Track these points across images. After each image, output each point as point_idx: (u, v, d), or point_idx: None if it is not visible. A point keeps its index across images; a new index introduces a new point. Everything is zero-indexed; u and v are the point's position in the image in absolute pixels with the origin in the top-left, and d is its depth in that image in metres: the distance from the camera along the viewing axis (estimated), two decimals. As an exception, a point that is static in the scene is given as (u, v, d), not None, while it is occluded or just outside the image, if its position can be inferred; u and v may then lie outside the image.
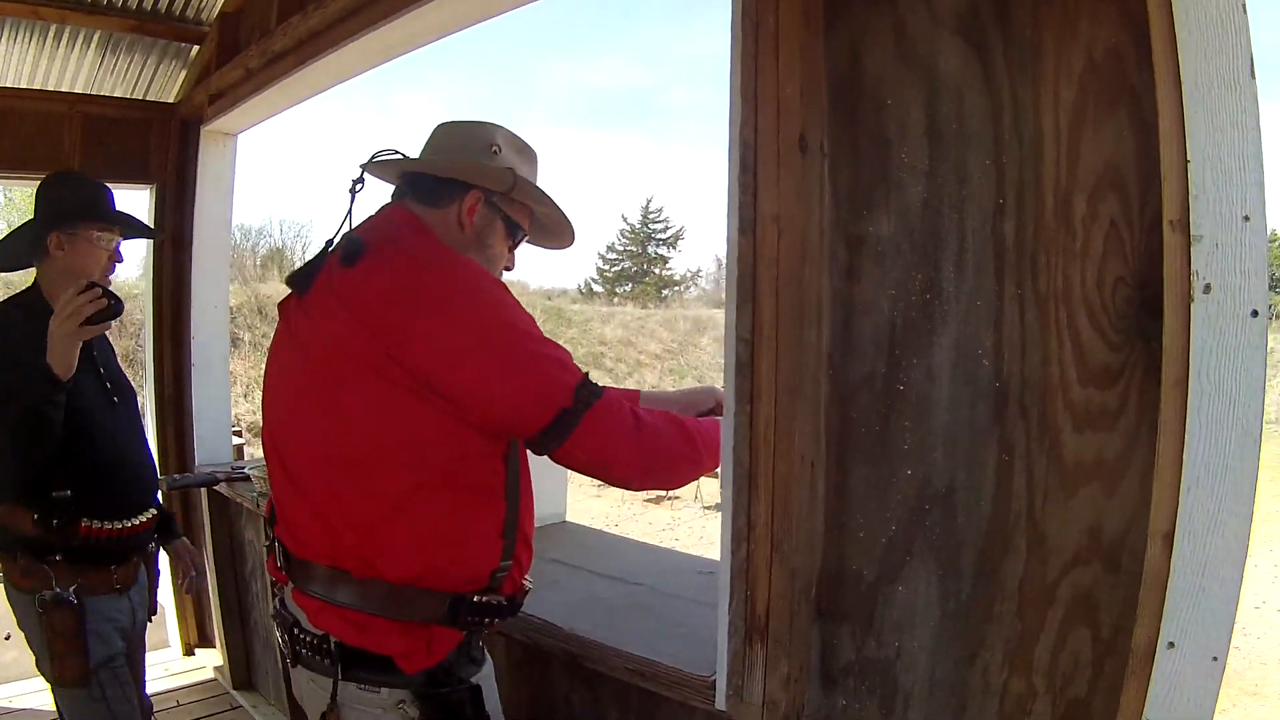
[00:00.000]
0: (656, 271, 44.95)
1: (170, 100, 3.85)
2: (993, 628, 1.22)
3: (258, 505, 2.90)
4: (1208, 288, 1.01)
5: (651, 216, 45.73)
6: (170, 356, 3.78)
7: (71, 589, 2.11)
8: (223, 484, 3.22)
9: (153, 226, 3.23)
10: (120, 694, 2.20)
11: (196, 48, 3.68)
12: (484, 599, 1.47)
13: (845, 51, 1.28)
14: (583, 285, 43.23)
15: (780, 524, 1.32)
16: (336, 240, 1.48)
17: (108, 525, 2.18)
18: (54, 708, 2.21)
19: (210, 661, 3.83)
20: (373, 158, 1.57)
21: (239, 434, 4.24)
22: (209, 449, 3.71)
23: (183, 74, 3.80)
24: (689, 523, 14.32)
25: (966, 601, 1.23)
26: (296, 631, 1.48)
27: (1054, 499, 1.16)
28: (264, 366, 1.62)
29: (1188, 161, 1.01)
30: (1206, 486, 1.03)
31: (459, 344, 1.35)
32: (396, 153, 1.57)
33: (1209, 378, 1.02)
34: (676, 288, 44.41)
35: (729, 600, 1.37)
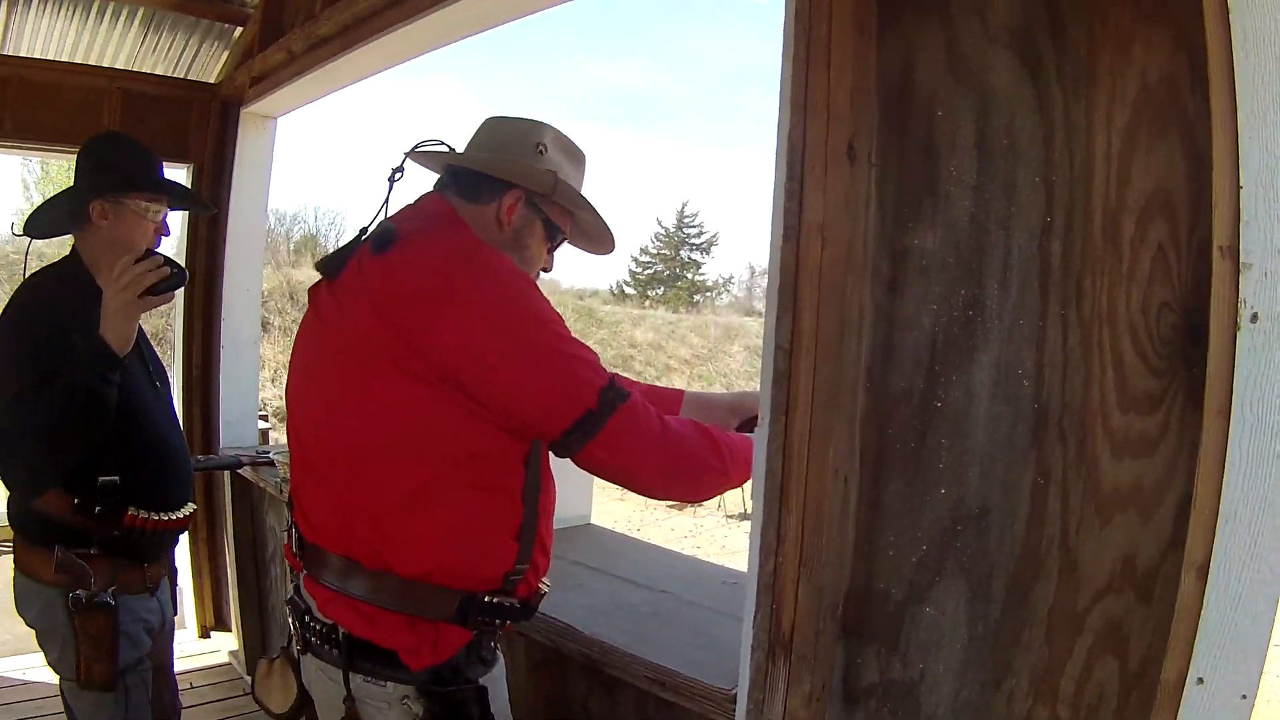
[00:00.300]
0: (689, 276, 45.01)
1: (211, 81, 3.90)
2: (1020, 653, 1.22)
3: (280, 491, 2.94)
4: (1255, 317, 1.01)
5: (686, 220, 45.97)
6: (200, 337, 3.85)
7: (110, 590, 2.00)
8: (246, 468, 3.26)
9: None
10: (142, 698, 2.12)
11: (240, 29, 3.73)
12: (496, 600, 1.48)
13: (896, 62, 1.28)
14: (615, 286, 43.38)
15: (811, 539, 1.31)
16: (371, 227, 1.50)
17: (154, 516, 2.08)
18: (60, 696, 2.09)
19: (225, 645, 3.89)
20: (416, 146, 1.58)
21: (264, 418, 4.28)
22: (234, 432, 3.77)
23: (225, 55, 3.86)
24: (711, 531, 14.28)
25: (995, 626, 1.23)
26: (308, 619, 1.52)
27: (1088, 525, 1.16)
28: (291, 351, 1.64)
29: (1240, 188, 1.01)
30: (1244, 519, 1.03)
31: (485, 339, 1.37)
32: (442, 144, 1.59)
33: (1251, 409, 1.02)
34: (709, 293, 44.41)
35: (754, 614, 1.37)
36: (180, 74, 3.86)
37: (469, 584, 1.45)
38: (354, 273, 1.46)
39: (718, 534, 14.08)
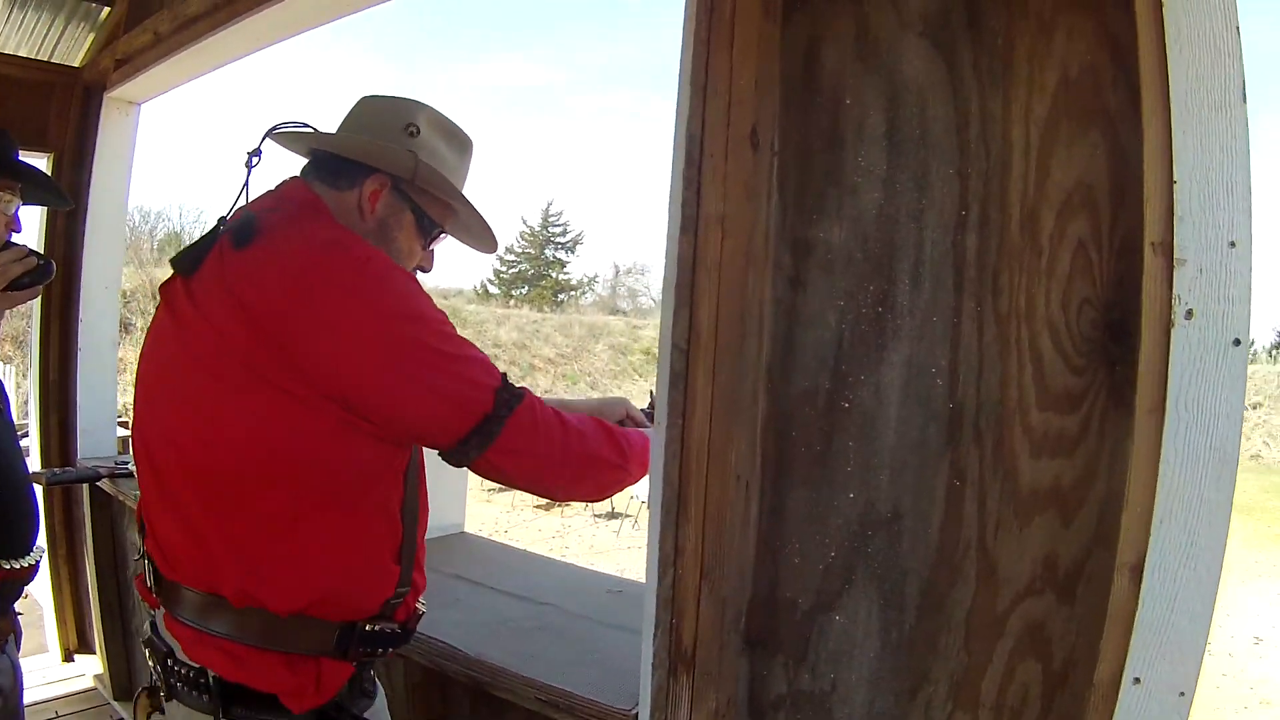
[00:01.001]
0: (553, 275, 44.71)
1: (75, 64, 3.54)
2: (937, 660, 1.12)
3: (142, 505, 2.57)
4: (1190, 313, 0.94)
5: (551, 220, 45.53)
6: (57, 339, 3.45)
7: None
8: (105, 480, 2.94)
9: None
10: None
11: (106, 9, 3.39)
12: (376, 628, 1.29)
13: (801, 45, 1.18)
14: (479, 286, 42.81)
15: (711, 548, 1.22)
16: (229, 218, 1.28)
17: (4, 565, 1.70)
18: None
19: (90, 669, 3.53)
20: (275, 128, 1.37)
21: (125, 425, 3.81)
22: (92, 441, 3.39)
23: (90, 37, 3.51)
24: (579, 530, 14.13)
25: (910, 633, 1.14)
26: (171, 663, 1.28)
27: (1007, 527, 1.07)
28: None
29: (1174, 183, 0.94)
30: (1180, 519, 0.95)
31: (363, 342, 1.17)
32: (305, 126, 1.38)
33: (1186, 407, 0.95)
34: (573, 292, 44.22)
35: (654, 630, 1.25)
36: (44, 57, 3.49)
37: (348, 614, 1.27)
38: (213, 270, 1.24)
39: (585, 533, 13.95)
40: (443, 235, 1.46)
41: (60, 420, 3.42)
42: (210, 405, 1.19)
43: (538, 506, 14.54)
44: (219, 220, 1.28)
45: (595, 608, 1.85)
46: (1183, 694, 0.97)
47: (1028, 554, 1.05)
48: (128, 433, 3.73)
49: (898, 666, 1.14)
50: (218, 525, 1.21)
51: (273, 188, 1.36)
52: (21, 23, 3.32)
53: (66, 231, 3.35)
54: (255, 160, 1.34)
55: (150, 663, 1.35)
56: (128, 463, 2.98)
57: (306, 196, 1.33)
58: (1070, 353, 1.02)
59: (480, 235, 1.54)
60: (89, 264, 3.31)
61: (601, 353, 27.88)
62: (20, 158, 1.84)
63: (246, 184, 1.33)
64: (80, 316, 3.31)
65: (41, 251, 1.66)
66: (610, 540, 13.55)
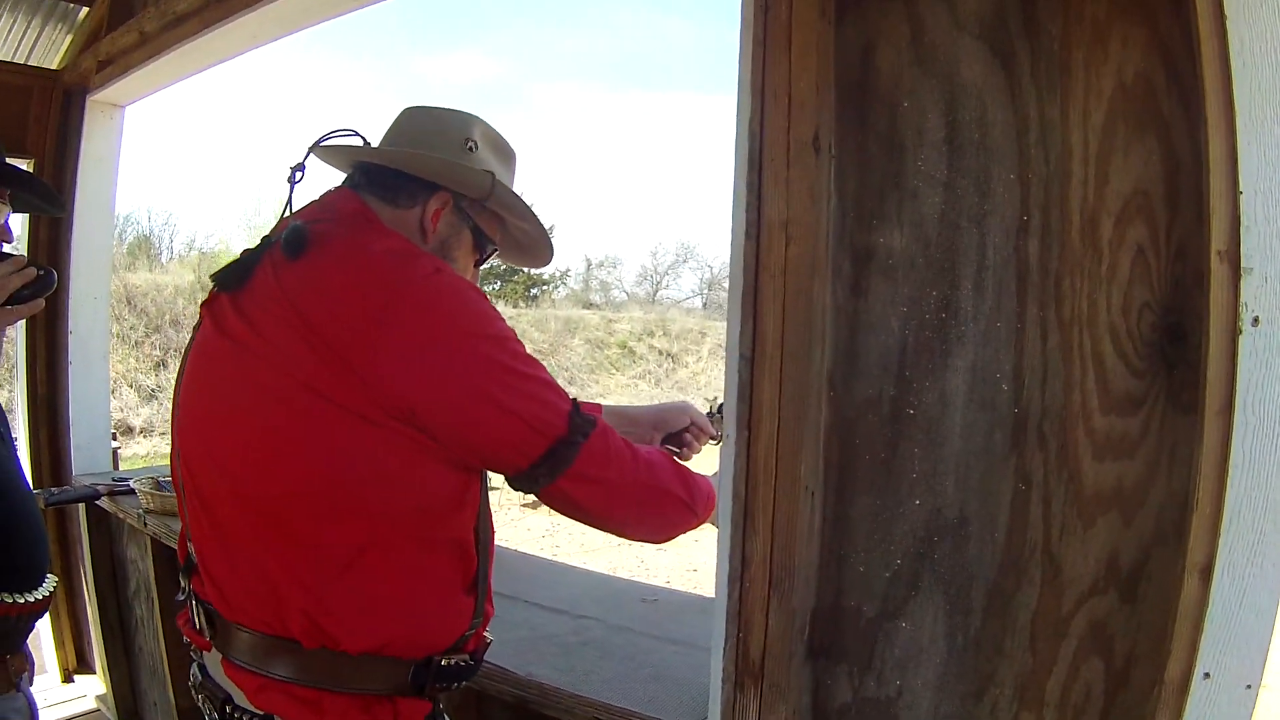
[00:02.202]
0: (525, 270, 44.24)
1: (54, 67, 3.54)
2: (1003, 662, 1.19)
3: (143, 523, 2.62)
4: (1256, 320, 1.00)
5: (521, 214, 45.06)
6: (44, 352, 3.47)
7: None
8: (104, 498, 2.93)
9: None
10: None
11: (86, 9, 3.41)
12: (451, 662, 1.29)
13: (856, 48, 1.23)
14: (450, 284, 42.04)
15: (780, 560, 1.26)
16: (274, 236, 1.26)
17: (18, 599, 1.63)
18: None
19: (92, 690, 3.54)
20: (321, 140, 1.37)
21: (113, 436, 3.81)
22: (87, 456, 3.40)
23: (68, 39, 3.52)
24: (569, 529, 14.10)
25: (975, 636, 1.20)
26: (230, 709, 1.25)
27: (1071, 529, 1.14)
28: (176, 373, 1.38)
29: (1239, 193, 1.00)
30: (1248, 519, 1.02)
31: (437, 359, 1.16)
32: (354, 134, 1.38)
33: (1254, 410, 1.01)
34: (546, 286, 43.97)
35: (723, 644, 1.30)
36: (20, 59, 3.49)
37: (423, 650, 1.26)
38: (267, 284, 1.21)
39: (575, 532, 13.92)
40: (494, 252, 1.48)
41: (51, 437, 3.44)
42: (272, 431, 1.17)
43: (525, 505, 14.52)
44: (263, 239, 1.27)
45: (635, 619, 1.89)
46: (1249, 686, 1.04)
47: (1091, 555, 1.12)
48: (117, 445, 3.77)
49: (964, 670, 1.19)
50: (283, 561, 1.19)
51: (317, 199, 1.36)
52: None
53: (51, 240, 3.36)
54: (299, 176, 1.35)
55: (206, 709, 1.31)
56: (126, 479, 2.98)
57: (360, 208, 1.31)
58: (1131, 357, 1.08)
59: (533, 250, 1.56)
60: (76, 274, 3.31)
61: (578, 347, 27.85)
62: (8, 162, 1.79)
63: (289, 200, 1.33)
64: (70, 328, 3.31)
65: (38, 262, 1.61)
66: (601, 538, 13.58)
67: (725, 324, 1.26)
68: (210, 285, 1.31)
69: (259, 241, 1.27)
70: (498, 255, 1.53)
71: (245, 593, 1.23)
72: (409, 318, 1.15)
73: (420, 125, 1.41)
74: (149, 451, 17.32)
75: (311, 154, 1.38)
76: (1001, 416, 1.15)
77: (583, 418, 1.23)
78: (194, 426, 1.29)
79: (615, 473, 1.25)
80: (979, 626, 1.18)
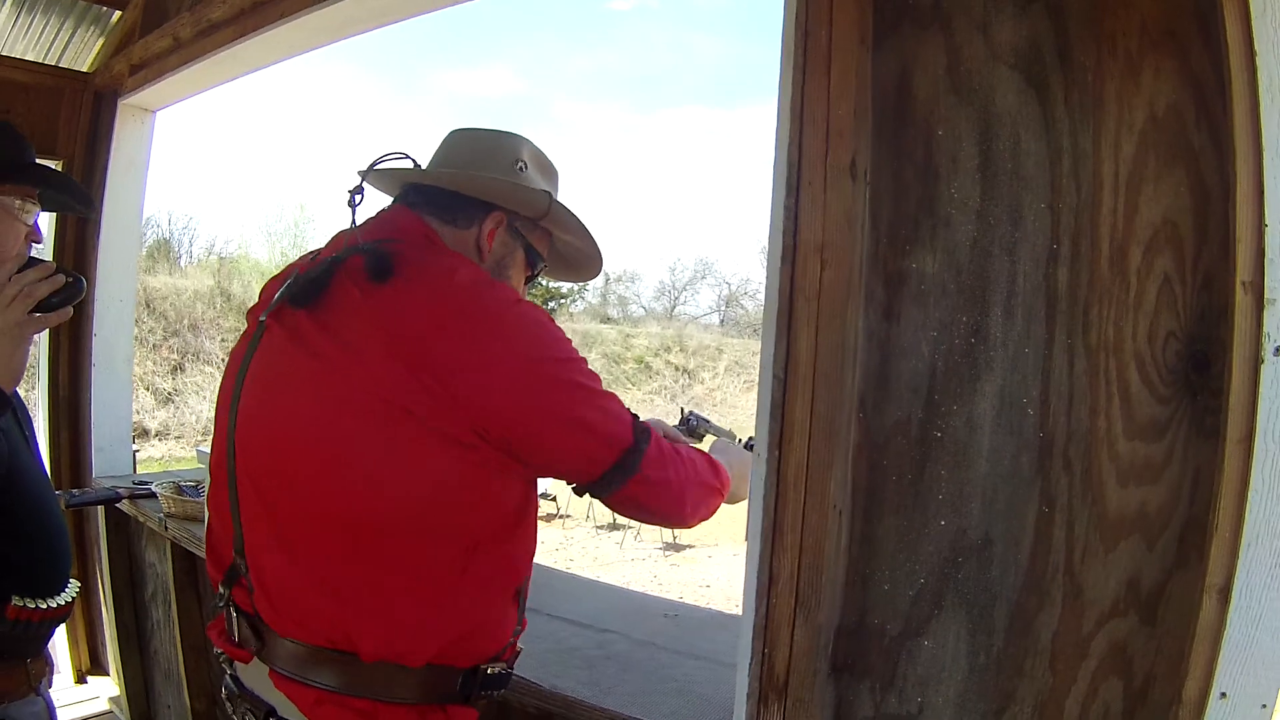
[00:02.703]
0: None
1: (84, 69, 3.61)
2: (1023, 681, 1.22)
3: (164, 527, 2.66)
4: (1278, 350, 1.04)
5: (540, 228, 45.57)
6: (68, 354, 3.53)
7: None
8: (125, 500, 2.98)
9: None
10: None
11: (118, 13, 3.47)
12: (495, 670, 1.36)
13: (893, 75, 1.27)
14: (469, 297, 42.53)
15: (807, 577, 1.30)
16: (343, 254, 1.31)
17: (40, 605, 1.66)
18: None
19: (105, 692, 3.60)
20: (375, 163, 1.43)
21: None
22: (108, 459, 3.47)
23: (99, 42, 3.58)
24: (582, 542, 14.28)
25: (997, 655, 1.24)
26: None
27: (1093, 552, 1.18)
28: (220, 388, 1.42)
29: (1265, 226, 1.04)
30: (1266, 543, 1.06)
31: (528, 383, 1.25)
32: (404, 157, 1.45)
33: (1274, 438, 1.05)
34: (563, 300, 44.25)
35: (749, 659, 1.33)
36: (51, 61, 3.56)
37: (475, 658, 1.33)
38: (355, 304, 1.26)
39: (589, 545, 14.09)
40: (544, 268, 1.55)
41: (72, 438, 3.50)
42: (362, 452, 1.21)
43: (539, 518, 14.72)
44: (331, 259, 1.29)
45: (657, 633, 1.93)
46: (1265, 706, 1.08)
47: (1113, 577, 1.15)
48: (136, 448, 3.82)
49: (984, 689, 1.23)
50: (361, 576, 1.23)
51: (376, 217, 1.41)
52: (29, 27, 3.38)
53: (77, 243, 3.43)
54: (359, 199, 1.37)
55: None
56: (148, 483, 3.02)
57: (423, 228, 1.38)
58: (1156, 383, 1.12)
59: (581, 265, 1.63)
60: (103, 276, 3.37)
61: (595, 361, 28.04)
62: (37, 161, 1.79)
63: (354, 223, 1.36)
64: (94, 331, 3.37)
65: (67, 268, 1.59)
66: (614, 552, 13.73)
67: (741, 341, 1.32)
68: (268, 297, 1.37)
69: (328, 262, 1.31)
70: (545, 271, 1.59)
71: (308, 606, 1.26)
72: (500, 345, 1.23)
73: (471, 147, 1.48)
74: (164, 455, 17.50)
75: (365, 179, 1.41)
76: (1027, 440, 1.19)
77: (641, 426, 1.34)
78: (262, 438, 1.31)
79: (673, 472, 1.37)
80: (1001, 646, 1.22)
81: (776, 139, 1.30)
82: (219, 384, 1.43)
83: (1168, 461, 1.13)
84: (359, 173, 1.42)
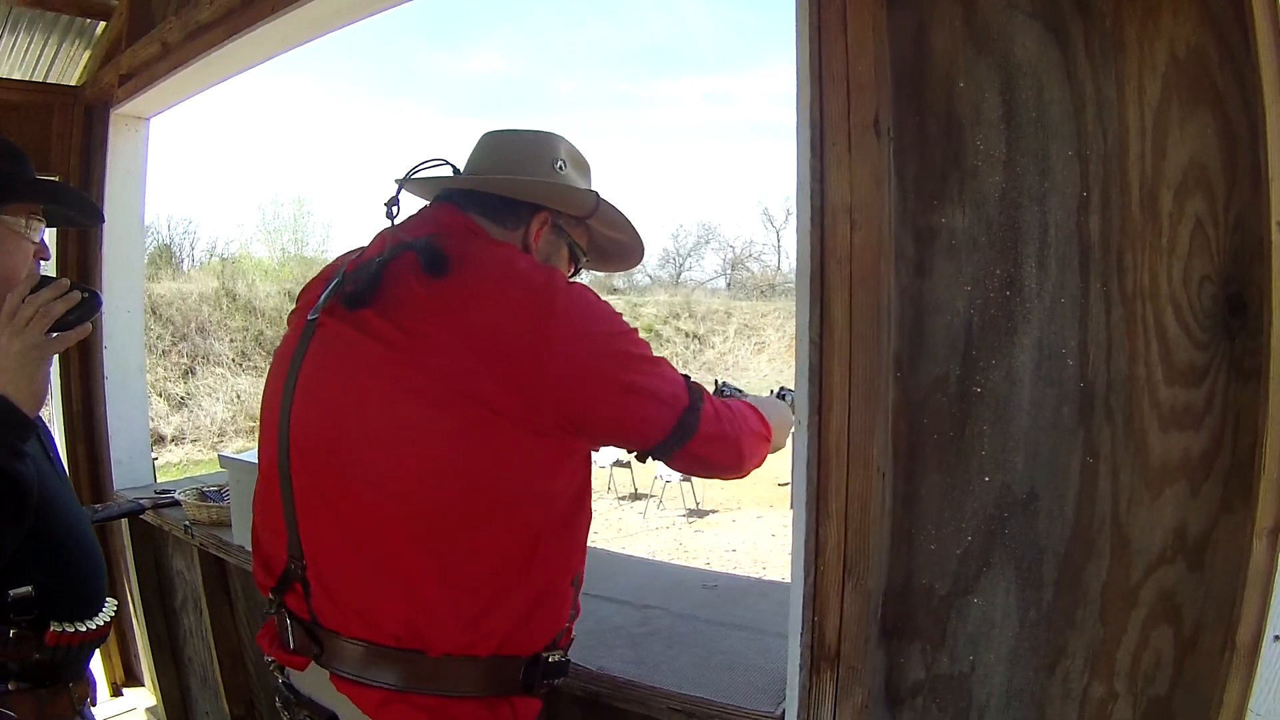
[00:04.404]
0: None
1: (73, 84, 3.64)
2: (1074, 633, 1.25)
3: (189, 534, 2.73)
4: None
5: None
6: (79, 369, 3.57)
7: None
8: (149, 511, 3.03)
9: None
10: None
11: (103, 24, 3.50)
12: (555, 658, 1.39)
13: (910, 30, 1.29)
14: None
15: (854, 543, 1.32)
16: (392, 251, 1.35)
17: (79, 628, 1.64)
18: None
19: (141, 703, 3.66)
20: (412, 171, 1.46)
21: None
22: (127, 471, 3.51)
23: (86, 54, 3.62)
24: (605, 514, 14.31)
25: (1048, 609, 1.26)
26: None
27: (1139, 500, 1.20)
28: (266, 391, 1.45)
29: None
30: None
31: (593, 359, 1.30)
32: (445, 163, 1.49)
33: None
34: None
35: (799, 630, 1.37)
36: (39, 78, 3.62)
37: (536, 646, 1.36)
38: (419, 298, 1.29)
39: (612, 516, 14.13)
40: (586, 263, 1.60)
41: (89, 452, 3.54)
42: (434, 440, 1.24)
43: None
44: (380, 262, 1.32)
45: (698, 605, 1.96)
46: None
47: (1159, 525, 1.18)
48: (154, 456, 3.89)
49: (1036, 643, 1.26)
50: (434, 569, 1.26)
51: (419, 214, 1.47)
52: (14, 45, 3.43)
53: (81, 256, 3.47)
54: (396, 210, 1.41)
55: None
56: (171, 492, 3.07)
57: (469, 223, 1.43)
58: (1194, 328, 1.14)
59: (618, 258, 1.69)
60: (109, 288, 3.38)
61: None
62: (40, 177, 1.76)
63: (393, 224, 1.40)
64: (105, 344, 3.40)
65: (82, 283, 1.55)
66: (638, 522, 13.81)
67: (749, 303, 1.37)
68: (312, 298, 1.42)
69: (378, 262, 1.33)
70: (586, 264, 1.64)
71: (376, 603, 1.29)
72: (563, 325, 1.26)
73: (511, 149, 1.53)
74: (181, 459, 17.67)
75: (402, 187, 1.45)
76: (1068, 391, 1.22)
77: (695, 386, 1.39)
78: (324, 435, 1.33)
79: (728, 425, 1.43)
80: (1050, 600, 1.25)
81: (798, 100, 1.32)
82: (264, 387, 1.46)
83: (1209, 406, 1.15)
84: (396, 181, 1.45)
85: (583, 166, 1.57)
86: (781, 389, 1.88)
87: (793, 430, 1.43)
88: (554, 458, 1.30)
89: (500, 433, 1.25)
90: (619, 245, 1.65)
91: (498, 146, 1.54)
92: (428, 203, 1.53)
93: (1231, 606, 1.14)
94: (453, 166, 1.51)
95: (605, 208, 1.52)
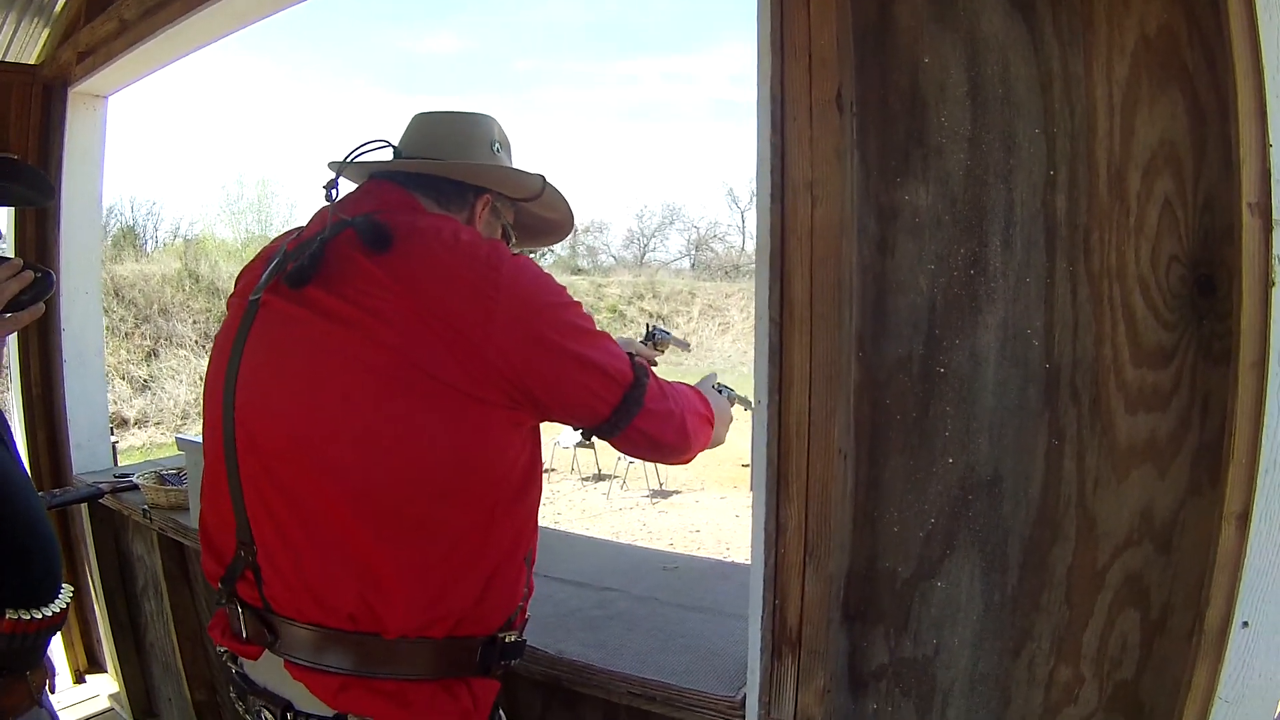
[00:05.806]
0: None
1: (31, 62, 3.53)
2: (1040, 617, 1.24)
3: (148, 518, 2.66)
4: None
5: (506, 181, 46.06)
6: (38, 352, 3.48)
7: None
8: (108, 495, 2.94)
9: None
10: None
11: (62, 1, 3.40)
12: (511, 638, 1.36)
13: (874, 3, 1.26)
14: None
15: (814, 525, 1.30)
16: (333, 229, 1.30)
17: (35, 615, 1.59)
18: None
19: (104, 689, 3.58)
20: (351, 155, 1.41)
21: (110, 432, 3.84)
22: (87, 454, 3.42)
23: (45, 32, 3.51)
24: (568, 495, 14.29)
25: (1013, 592, 1.25)
26: (293, 717, 1.30)
27: (1105, 483, 1.18)
28: (208, 378, 1.39)
29: (1269, 146, 1.03)
30: None
31: (538, 329, 1.26)
32: (385, 144, 1.46)
33: None
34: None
35: (760, 613, 1.34)
36: None
37: (491, 627, 1.33)
38: (365, 271, 1.25)
39: (575, 497, 14.10)
40: (514, 242, 1.58)
41: (49, 436, 3.46)
42: (386, 416, 1.20)
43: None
44: (319, 240, 1.28)
45: (658, 588, 1.94)
46: None
47: (1126, 507, 1.16)
48: (115, 439, 3.80)
49: (1001, 626, 1.24)
50: (388, 548, 1.22)
51: (356, 191, 1.43)
52: None
53: (38, 237, 3.35)
54: (334, 193, 1.37)
55: (258, 717, 1.34)
56: (129, 476, 3.00)
57: (410, 199, 1.40)
58: (1161, 309, 1.12)
59: (546, 234, 1.70)
60: (67, 269, 3.31)
61: (571, 312, 28.60)
62: None
63: (333, 202, 1.36)
64: (62, 326, 3.32)
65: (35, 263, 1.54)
66: (601, 503, 13.80)
67: (713, 284, 1.33)
68: (252, 279, 1.37)
69: (317, 240, 1.29)
70: (515, 243, 1.61)
71: (331, 585, 1.25)
72: (510, 295, 1.23)
73: (447, 131, 1.52)
74: (145, 443, 17.47)
75: (339, 171, 1.41)
76: (1033, 372, 1.19)
77: (638, 363, 1.36)
78: (271, 417, 1.28)
79: (673, 403, 1.40)
80: (1015, 583, 1.23)
81: (758, 73, 1.28)
82: (205, 372, 1.40)
83: (1176, 387, 1.13)
84: (334, 165, 1.41)
85: (508, 147, 1.58)
86: (719, 384, 1.85)
87: (750, 411, 1.40)
88: (503, 430, 1.26)
89: (451, 405, 1.22)
90: (547, 223, 1.66)
91: (434, 127, 1.53)
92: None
93: (1200, 590, 1.12)
94: (394, 148, 1.48)
95: (551, 192, 1.52)
